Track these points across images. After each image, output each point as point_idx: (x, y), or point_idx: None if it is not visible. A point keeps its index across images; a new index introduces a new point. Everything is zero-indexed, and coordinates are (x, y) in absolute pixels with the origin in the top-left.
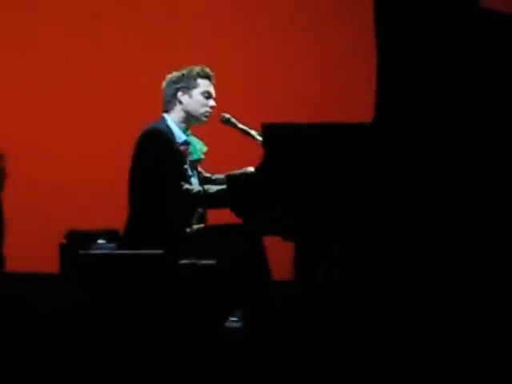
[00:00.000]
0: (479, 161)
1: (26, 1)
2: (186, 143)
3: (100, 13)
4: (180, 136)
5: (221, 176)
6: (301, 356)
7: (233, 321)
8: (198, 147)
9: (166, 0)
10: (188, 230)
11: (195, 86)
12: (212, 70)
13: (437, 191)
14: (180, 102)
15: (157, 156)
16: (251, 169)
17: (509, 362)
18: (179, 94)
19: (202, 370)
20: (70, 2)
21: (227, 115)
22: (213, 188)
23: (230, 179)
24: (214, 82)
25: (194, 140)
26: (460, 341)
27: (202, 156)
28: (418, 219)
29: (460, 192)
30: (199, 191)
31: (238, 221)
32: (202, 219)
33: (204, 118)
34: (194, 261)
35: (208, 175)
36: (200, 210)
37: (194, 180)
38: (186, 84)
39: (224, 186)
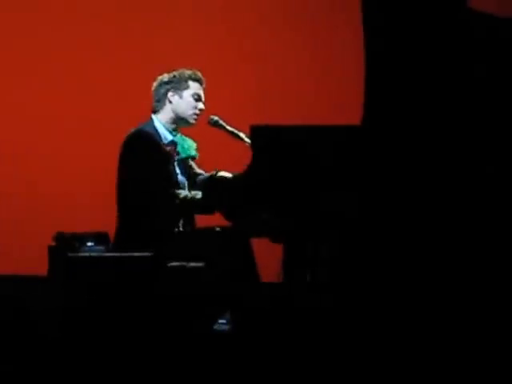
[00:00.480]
0: (469, 161)
1: (25, 1)
2: (173, 143)
3: (97, 14)
4: (166, 137)
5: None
6: (289, 358)
7: (221, 323)
8: (186, 145)
9: (160, 4)
10: (176, 231)
11: (186, 88)
12: (203, 75)
13: (426, 191)
14: (170, 102)
15: (140, 158)
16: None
17: (509, 362)
18: (169, 94)
19: (190, 372)
20: (68, 2)
21: (216, 117)
22: (200, 194)
23: (215, 181)
24: (204, 86)
25: (181, 139)
26: (456, 340)
27: (194, 152)
28: (408, 219)
29: (450, 192)
30: (186, 197)
31: (225, 223)
32: (190, 221)
33: (192, 121)
34: (182, 263)
35: (199, 171)
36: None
37: (182, 178)
38: (177, 85)
39: None
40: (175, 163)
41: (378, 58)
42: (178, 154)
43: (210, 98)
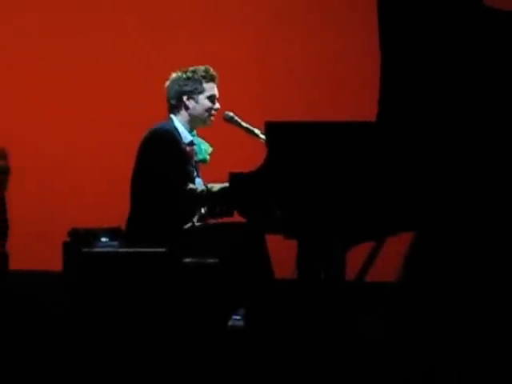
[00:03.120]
0: (481, 159)
1: (26, 0)
2: (192, 144)
3: (101, 10)
4: (186, 136)
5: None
6: (302, 354)
7: (235, 319)
8: (204, 148)
9: (167, 1)
10: (190, 226)
11: (201, 91)
12: (215, 70)
13: (440, 189)
14: (186, 107)
15: (162, 155)
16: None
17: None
18: (184, 98)
19: (205, 368)
20: (70, 1)
21: (231, 113)
22: (216, 186)
23: (232, 178)
24: (217, 82)
25: (199, 141)
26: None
27: (207, 157)
28: (421, 217)
29: (463, 190)
30: (203, 191)
31: (240, 219)
32: (203, 217)
33: (209, 122)
34: (196, 259)
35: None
36: (203, 210)
37: (199, 180)
38: (191, 88)
39: (227, 184)
40: (193, 164)
41: (393, 55)
42: (196, 154)
43: (222, 94)
